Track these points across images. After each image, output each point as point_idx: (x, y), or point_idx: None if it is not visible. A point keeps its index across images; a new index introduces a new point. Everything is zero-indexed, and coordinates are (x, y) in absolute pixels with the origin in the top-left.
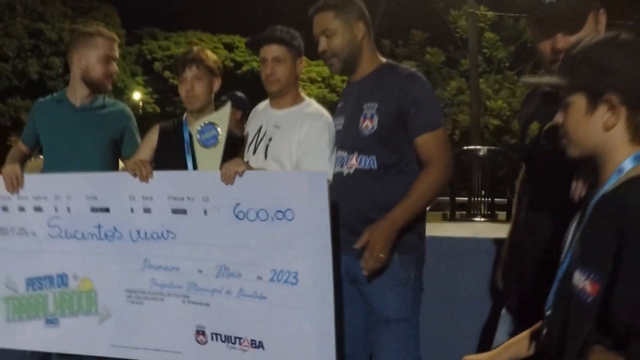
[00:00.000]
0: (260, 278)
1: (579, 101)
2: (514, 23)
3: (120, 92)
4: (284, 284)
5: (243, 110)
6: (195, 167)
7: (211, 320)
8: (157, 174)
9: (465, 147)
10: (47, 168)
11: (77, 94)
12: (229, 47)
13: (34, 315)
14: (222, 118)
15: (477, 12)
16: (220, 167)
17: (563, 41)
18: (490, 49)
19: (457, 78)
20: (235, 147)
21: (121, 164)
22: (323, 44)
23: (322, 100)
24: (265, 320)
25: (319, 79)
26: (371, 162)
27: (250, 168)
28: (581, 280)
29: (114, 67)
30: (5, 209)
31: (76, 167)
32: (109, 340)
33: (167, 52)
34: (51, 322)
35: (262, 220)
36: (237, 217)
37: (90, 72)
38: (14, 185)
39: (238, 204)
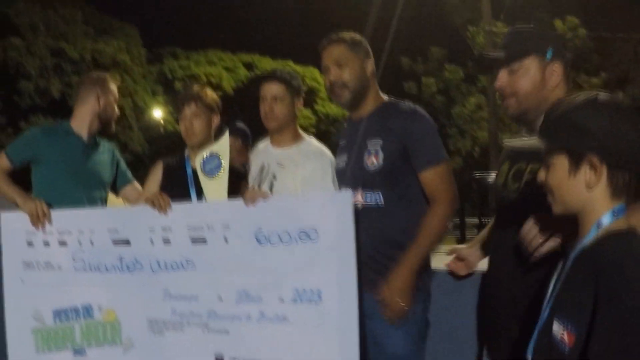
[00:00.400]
0: (282, 300)
1: (561, 162)
2: None
3: (141, 111)
4: (307, 303)
5: (243, 139)
6: (200, 199)
7: (230, 347)
8: (175, 205)
9: (477, 174)
10: (42, 192)
11: (88, 129)
12: (249, 66)
13: (62, 346)
14: (223, 147)
15: (494, 28)
16: (229, 195)
17: (500, 80)
18: None
19: (475, 94)
20: (238, 178)
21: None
22: (334, 74)
23: (342, 117)
24: (286, 342)
25: None
26: (377, 197)
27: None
28: (559, 331)
29: (113, 106)
30: (30, 243)
31: (80, 197)
32: None
33: (188, 71)
34: (79, 352)
35: (285, 243)
36: (258, 241)
37: (107, 111)
38: (42, 221)
39: (260, 229)
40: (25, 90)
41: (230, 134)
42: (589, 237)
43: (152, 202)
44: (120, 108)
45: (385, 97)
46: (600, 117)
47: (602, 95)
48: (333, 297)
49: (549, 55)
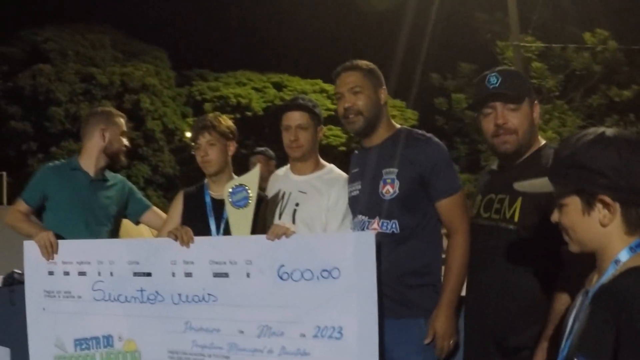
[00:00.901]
0: (304, 335)
1: (574, 202)
2: (561, 51)
3: (172, 134)
4: (328, 339)
5: (274, 164)
6: (218, 228)
7: None
8: (198, 239)
9: None
10: (53, 228)
11: (95, 165)
12: (278, 86)
13: None
14: (252, 180)
15: (523, 43)
16: (253, 228)
17: (502, 118)
18: (538, 79)
19: None
20: (260, 204)
21: (134, 228)
22: (349, 100)
23: None
24: None
25: None
26: (393, 226)
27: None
28: None
29: (126, 140)
30: (51, 273)
31: (87, 231)
32: None
33: (217, 92)
34: None
35: (307, 280)
36: (281, 278)
37: (113, 145)
38: (49, 253)
39: (282, 266)
40: (55, 116)
41: (256, 155)
42: (607, 274)
43: (175, 236)
44: (151, 131)
45: (397, 126)
46: (609, 155)
47: (610, 131)
48: (354, 334)
49: (533, 96)
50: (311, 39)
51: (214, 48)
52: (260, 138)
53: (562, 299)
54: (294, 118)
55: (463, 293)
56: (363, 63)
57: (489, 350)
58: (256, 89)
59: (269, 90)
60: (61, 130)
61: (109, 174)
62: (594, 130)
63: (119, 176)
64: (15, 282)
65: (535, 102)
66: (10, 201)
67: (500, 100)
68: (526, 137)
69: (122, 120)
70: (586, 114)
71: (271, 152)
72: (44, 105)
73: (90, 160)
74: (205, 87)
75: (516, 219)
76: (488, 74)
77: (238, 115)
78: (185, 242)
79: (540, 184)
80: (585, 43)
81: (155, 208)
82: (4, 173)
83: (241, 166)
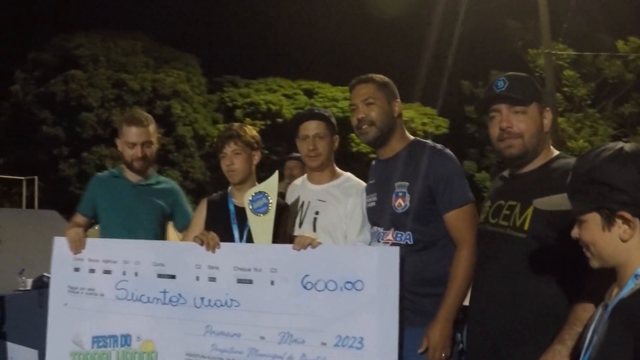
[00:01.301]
0: (325, 344)
1: (594, 219)
2: (593, 60)
3: (202, 140)
4: (348, 349)
5: (300, 168)
6: (241, 235)
7: None
8: (224, 245)
9: None
10: (104, 236)
11: (130, 172)
12: (309, 93)
13: None
14: (271, 187)
15: (554, 51)
16: (275, 235)
17: (507, 121)
18: (570, 87)
19: None
20: (281, 211)
21: (177, 235)
22: (362, 111)
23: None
24: None
25: None
26: (407, 237)
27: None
28: None
29: (139, 150)
30: (77, 269)
31: (132, 237)
32: None
33: (248, 99)
34: None
35: (331, 290)
36: (304, 287)
37: (123, 156)
38: (77, 247)
39: (307, 275)
40: (87, 121)
41: (292, 160)
42: (626, 288)
43: (201, 240)
44: (181, 137)
45: (411, 137)
46: (628, 171)
47: (628, 146)
48: (374, 345)
49: (543, 102)
50: (342, 46)
51: (245, 55)
52: (290, 145)
53: (586, 308)
54: (312, 127)
55: (466, 302)
56: (377, 76)
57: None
58: (287, 96)
59: (299, 97)
60: (92, 136)
61: (157, 178)
62: (612, 146)
63: (170, 182)
64: (45, 286)
65: (547, 108)
66: (42, 205)
67: (505, 102)
68: (533, 142)
69: (131, 130)
70: (618, 123)
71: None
72: (76, 111)
73: (126, 168)
74: (236, 93)
75: (526, 227)
76: (497, 78)
77: (269, 122)
78: (211, 248)
79: (560, 202)
80: (617, 51)
81: None
82: (36, 177)
83: (271, 173)
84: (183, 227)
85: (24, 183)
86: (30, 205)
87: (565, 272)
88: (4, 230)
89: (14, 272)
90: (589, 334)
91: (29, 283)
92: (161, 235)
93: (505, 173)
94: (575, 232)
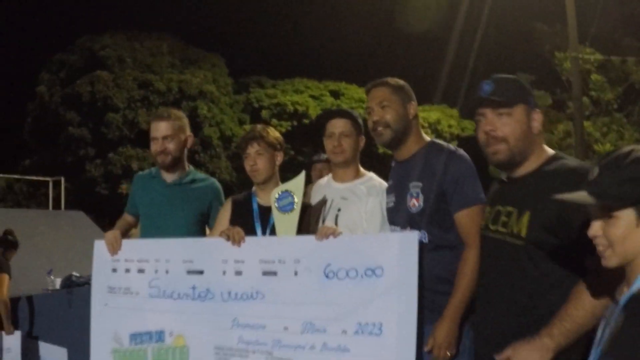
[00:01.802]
0: (345, 332)
1: (627, 215)
2: (621, 64)
3: (229, 140)
4: (368, 336)
5: (327, 168)
6: (264, 233)
7: None
8: (249, 239)
9: None
10: (143, 236)
11: (165, 172)
12: (335, 94)
13: None
14: (297, 186)
15: (581, 55)
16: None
17: (490, 124)
18: (597, 91)
19: (564, 121)
20: (305, 210)
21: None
22: (378, 113)
23: None
24: None
25: (425, 124)
26: (423, 235)
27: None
28: None
29: (160, 145)
30: (114, 270)
31: (167, 235)
32: None
33: (274, 99)
34: None
35: (352, 278)
36: (326, 276)
37: (155, 152)
38: (114, 248)
39: (329, 264)
40: (113, 122)
41: (320, 163)
42: (636, 284)
43: (227, 235)
44: (208, 137)
45: (427, 139)
46: None
47: None
48: (393, 330)
49: (532, 104)
50: (369, 48)
51: (271, 55)
52: (317, 146)
53: (577, 305)
54: (338, 125)
55: None
56: (392, 80)
57: None
58: (313, 97)
59: (326, 98)
60: (119, 137)
61: (194, 176)
62: (636, 145)
63: (207, 180)
64: (73, 285)
65: (536, 110)
66: (68, 206)
67: (489, 106)
68: (519, 145)
69: (153, 125)
70: None
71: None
72: (102, 112)
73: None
74: (262, 94)
75: (524, 234)
76: (484, 81)
77: (295, 123)
78: (237, 242)
79: (581, 198)
80: None
81: None
82: (62, 178)
83: (297, 173)
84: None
85: (50, 184)
86: (56, 206)
87: (565, 276)
88: (31, 231)
89: (41, 272)
90: (600, 332)
91: (57, 282)
92: (198, 234)
93: (503, 176)
94: (596, 230)
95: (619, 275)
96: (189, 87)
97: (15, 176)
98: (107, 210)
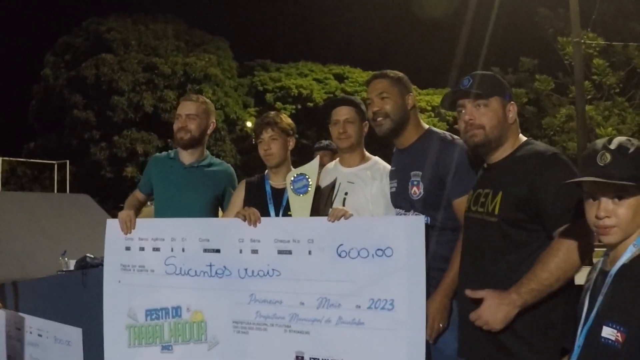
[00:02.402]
0: (359, 307)
1: (636, 197)
2: (623, 49)
3: (233, 123)
4: (381, 311)
5: (331, 155)
6: (277, 214)
7: (310, 346)
8: (265, 219)
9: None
10: (157, 216)
11: (183, 153)
12: (339, 78)
13: (152, 342)
14: (312, 169)
15: (584, 39)
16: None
17: (469, 114)
18: (599, 75)
19: (566, 105)
20: (314, 195)
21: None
22: (377, 104)
23: None
24: (361, 343)
25: (429, 108)
26: (426, 219)
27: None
28: (612, 333)
29: (182, 121)
30: (128, 248)
31: (181, 216)
32: None
33: (279, 83)
34: (166, 348)
35: (363, 258)
36: (339, 255)
37: (176, 134)
38: (128, 227)
39: (341, 245)
40: (118, 105)
41: (321, 150)
42: (625, 255)
43: (244, 216)
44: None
45: (425, 127)
46: None
47: None
48: (404, 306)
49: (507, 97)
50: (373, 32)
51: (276, 39)
52: (321, 129)
53: (544, 268)
54: (342, 113)
55: None
56: (391, 72)
57: (479, 333)
58: (317, 80)
59: (330, 82)
60: (124, 119)
61: (211, 160)
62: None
63: (223, 165)
64: (88, 266)
65: (512, 102)
66: (73, 189)
67: (468, 97)
68: (494, 132)
69: (181, 104)
70: None
71: (335, 146)
72: (107, 95)
73: (180, 149)
74: (267, 77)
75: (496, 211)
76: (464, 77)
77: (299, 106)
78: (253, 222)
79: (594, 178)
80: None
81: None
82: (67, 161)
83: (302, 156)
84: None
85: (55, 167)
86: (61, 189)
87: (534, 248)
88: (37, 214)
89: (47, 254)
90: (587, 301)
91: (71, 264)
92: (212, 216)
93: (485, 164)
94: (609, 211)
95: (584, 245)
96: (194, 70)
97: (20, 159)
98: (112, 193)
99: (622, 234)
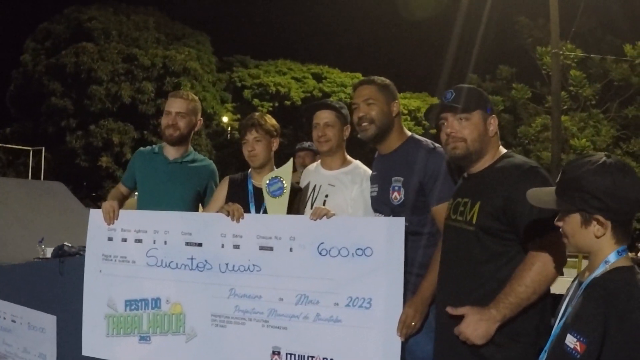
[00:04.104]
0: (337, 304)
1: (575, 217)
2: (600, 61)
3: (210, 118)
4: (358, 309)
5: (312, 157)
6: (257, 212)
7: (287, 342)
8: (248, 216)
9: None
10: (140, 209)
11: (168, 149)
12: (318, 77)
13: (130, 332)
14: (286, 172)
15: (563, 50)
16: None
17: (451, 127)
18: (576, 87)
19: (542, 115)
20: (294, 193)
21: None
22: (363, 109)
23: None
24: (338, 340)
25: (405, 111)
26: (405, 224)
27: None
28: (573, 341)
29: (172, 118)
30: (110, 239)
31: (165, 210)
32: (194, 357)
33: (257, 80)
34: (144, 339)
35: (343, 256)
36: (320, 253)
37: (163, 129)
38: (111, 218)
39: (322, 243)
40: (96, 95)
41: (303, 151)
42: (598, 270)
43: (227, 212)
44: None
45: (408, 134)
46: (605, 182)
47: (609, 160)
48: (381, 305)
49: (489, 110)
50: (352, 33)
51: (255, 35)
52: (298, 127)
53: (520, 282)
54: (322, 117)
55: None
56: (379, 79)
57: (454, 338)
58: (296, 79)
59: (308, 81)
60: (101, 109)
61: (194, 156)
62: (597, 158)
63: (206, 161)
64: (65, 254)
65: (493, 116)
66: (47, 176)
67: (449, 111)
68: (475, 145)
69: (170, 100)
70: (621, 125)
71: (312, 147)
72: (85, 84)
73: (165, 144)
74: (245, 73)
75: (474, 220)
76: (447, 90)
77: (276, 104)
78: (236, 218)
79: (547, 200)
80: (625, 55)
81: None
82: (43, 148)
83: (278, 154)
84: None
85: (31, 153)
86: (36, 175)
87: (510, 257)
88: (10, 200)
89: (19, 241)
90: (563, 307)
91: (48, 252)
92: (194, 211)
93: (465, 174)
94: (559, 222)
95: (557, 257)
96: (173, 63)
97: None
98: (86, 182)
99: (572, 246)
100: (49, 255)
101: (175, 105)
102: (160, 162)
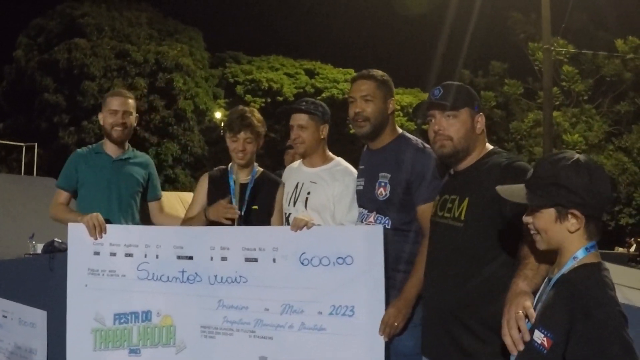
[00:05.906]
0: (321, 313)
1: (549, 212)
2: (592, 57)
3: (202, 114)
4: (342, 317)
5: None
6: (240, 209)
7: (273, 351)
8: (234, 228)
9: None
10: (84, 209)
11: (110, 147)
12: (310, 73)
13: (119, 346)
14: None
15: (555, 46)
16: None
17: (438, 124)
18: (568, 82)
19: (534, 110)
20: (276, 185)
21: (181, 205)
22: (359, 106)
23: (400, 128)
24: (323, 348)
25: (398, 107)
26: (386, 222)
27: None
28: (540, 337)
29: (120, 117)
30: (97, 253)
31: (112, 209)
32: None
33: (249, 76)
34: (134, 352)
35: (325, 266)
36: (302, 263)
37: (104, 127)
38: (99, 233)
39: (303, 253)
40: (88, 90)
41: (292, 149)
42: (566, 266)
43: (223, 212)
44: (182, 110)
45: (399, 131)
46: (582, 178)
47: (582, 158)
48: (364, 312)
49: (476, 107)
50: (345, 29)
51: (248, 31)
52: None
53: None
54: (296, 119)
55: None
56: (378, 73)
57: (441, 332)
58: (288, 75)
59: (300, 77)
60: (93, 105)
61: (134, 153)
62: (570, 155)
63: (145, 156)
64: (56, 250)
65: (480, 114)
66: (39, 172)
67: (437, 109)
68: (462, 143)
69: (113, 99)
70: (613, 120)
71: None
72: (78, 79)
73: (107, 144)
74: (238, 69)
75: (463, 217)
76: (435, 87)
77: (269, 100)
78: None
79: (517, 194)
80: (616, 50)
81: (162, 203)
82: (35, 144)
83: (269, 150)
84: (152, 199)
85: (23, 149)
86: (28, 171)
87: (496, 253)
88: (2, 196)
89: (10, 236)
90: (534, 302)
91: (39, 247)
92: (136, 206)
93: (451, 170)
94: (527, 219)
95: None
96: (166, 59)
97: None
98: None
99: (543, 243)
100: (39, 251)
101: (121, 104)
102: (105, 161)
